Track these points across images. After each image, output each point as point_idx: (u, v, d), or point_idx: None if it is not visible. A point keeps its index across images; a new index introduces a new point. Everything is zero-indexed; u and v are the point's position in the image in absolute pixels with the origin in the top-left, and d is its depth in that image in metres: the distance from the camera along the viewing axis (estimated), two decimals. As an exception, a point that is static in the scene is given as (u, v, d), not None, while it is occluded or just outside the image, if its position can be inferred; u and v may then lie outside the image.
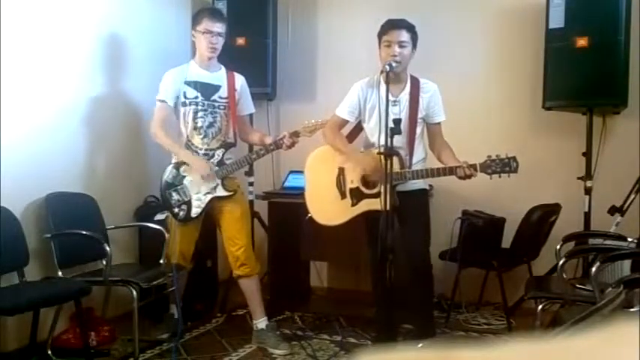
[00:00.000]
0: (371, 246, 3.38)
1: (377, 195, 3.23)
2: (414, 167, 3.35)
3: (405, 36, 3.31)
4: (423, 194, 3.51)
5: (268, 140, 3.66)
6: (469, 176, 3.22)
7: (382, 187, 3.16)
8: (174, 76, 3.65)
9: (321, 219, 3.54)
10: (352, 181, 3.46)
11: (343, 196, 3.47)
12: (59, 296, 3.26)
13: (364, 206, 3.40)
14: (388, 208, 3.07)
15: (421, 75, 3.48)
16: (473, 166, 3.20)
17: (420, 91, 3.40)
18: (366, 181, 3.42)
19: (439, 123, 3.46)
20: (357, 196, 3.44)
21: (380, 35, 3.37)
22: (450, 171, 3.24)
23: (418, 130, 3.41)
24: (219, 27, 3.61)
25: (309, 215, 3.56)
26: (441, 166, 3.31)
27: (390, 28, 3.33)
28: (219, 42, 3.64)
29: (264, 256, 4.37)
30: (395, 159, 3.25)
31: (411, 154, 3.37)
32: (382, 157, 3.10)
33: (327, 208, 3.52)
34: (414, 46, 3.36)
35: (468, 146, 3.56)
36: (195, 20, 3.67)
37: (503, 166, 3.19)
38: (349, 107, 3.49)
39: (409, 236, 3.34)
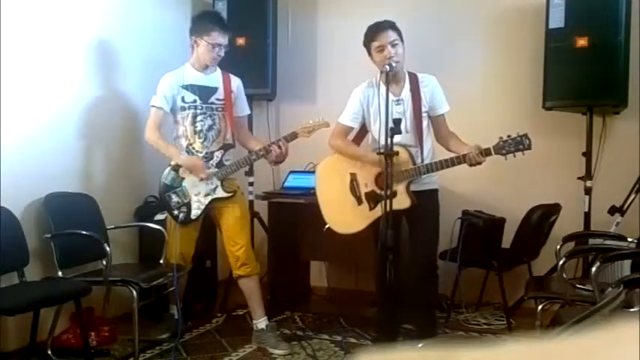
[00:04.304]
0: (378, 246, 3.36)
1: (394, 195, 3.15)
2: (426, 162, 3.33)
3: (393, 35, 3.30)
4: (434, 195, 3.46)
5: (257, 146, 3.63)
6: (479, 163, 3.20)
7: (398, 185, 3.16)
8: (170, 81, 3.63)
9: (340, 229, 3.47)
10: (366, 184, 3.42)
11: (359, 202, 3.43)
12: (59, 296, 3.26)
13: (382, 209, 3.36)
14: (400, 207, 3.05)
15: (420, 75, 3.48)
16: (487, 150, 3.18)
17: (419, 85, 3.40)
18: (380, 182, 3.39)
19: (443, 114, 3.45)
20: (373, 199, 3.39)
21: (368, 42, 3.34)
22: (464, 159, 3.20)
23: (424, 124, 3.40)
24: (226, 39, 3.60)
25: (327, 226, 3.51)
26: (452, 155, 3.27)
27: (377, 32, 3.31)
28: (223, 52, 3.63)
29: (264, 256, 4.37)
30: (406, 157, 3.24)
31: (421, 150, 3.35)
32: (383, 157, 3.08)
33: (346, 217, 3.46)
34: (402, 41, 3.35)
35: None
36: (201, 28, 3.58)
37: (517, 144, 3.17)
38: (352, 114, 3.46)
39: (419, 237, 3.32)
